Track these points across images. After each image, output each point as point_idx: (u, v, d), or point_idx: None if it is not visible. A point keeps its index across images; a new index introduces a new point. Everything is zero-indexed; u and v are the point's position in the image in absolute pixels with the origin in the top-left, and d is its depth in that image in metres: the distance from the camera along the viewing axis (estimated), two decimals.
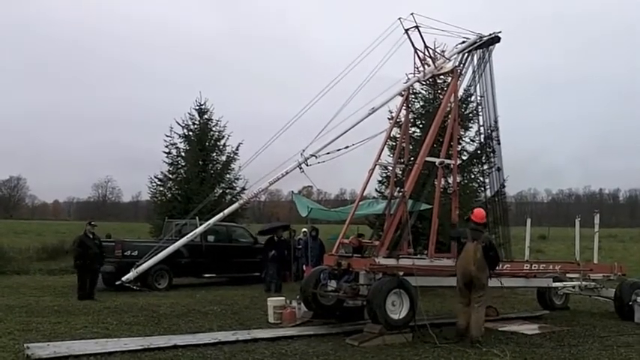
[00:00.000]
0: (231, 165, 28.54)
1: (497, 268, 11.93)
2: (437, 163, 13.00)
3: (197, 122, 28.36)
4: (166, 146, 28.03)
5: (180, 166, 28.14)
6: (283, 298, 13.70)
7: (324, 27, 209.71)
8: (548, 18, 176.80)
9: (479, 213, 11.63)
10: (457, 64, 14.01)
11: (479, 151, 16.57)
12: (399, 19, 13.57)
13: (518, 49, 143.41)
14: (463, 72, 14.08)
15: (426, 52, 14.11)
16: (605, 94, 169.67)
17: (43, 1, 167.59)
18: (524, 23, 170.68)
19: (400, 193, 12.67)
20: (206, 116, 28.51)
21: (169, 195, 27.78)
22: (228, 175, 28.28)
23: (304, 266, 20.53)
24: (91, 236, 16.57)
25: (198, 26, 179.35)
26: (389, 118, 19.33)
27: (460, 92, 14.25)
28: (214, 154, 28.45)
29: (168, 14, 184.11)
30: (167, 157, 28.04)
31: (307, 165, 12.73)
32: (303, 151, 12.78)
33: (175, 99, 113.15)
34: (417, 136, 19.51)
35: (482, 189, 16.63)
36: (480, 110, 14.76)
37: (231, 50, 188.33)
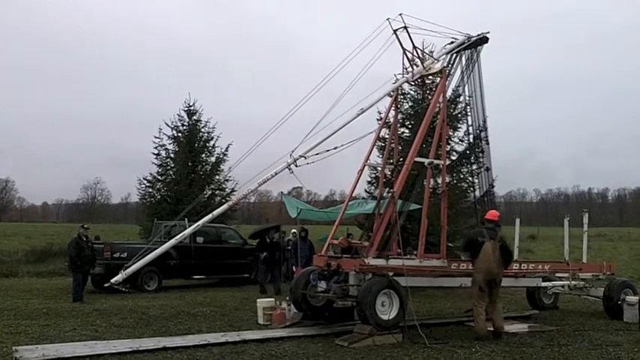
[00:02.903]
0: (221, 166, 28.54)
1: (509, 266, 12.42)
2: (426, 164, 13.02)
3: (186, 123, 28.32)
4: (155, 147, 28.01)
5: (169, 167, 28.08)
6: (273, 299, 13.70)
7: (317, 28, 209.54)
8: (548, 17, 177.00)
9: (493, 212, 12.30)
10: (446, 64, 14.04)
11: (468, 152, 16.62)
12: (388, 19, 13.60)
13: (513, 48, 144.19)
14: (452, 72, 14.11)
15: (415, 53, 14.14)
16: (597, 94, 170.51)
17: (37, 1, 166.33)
18: (523, 23, 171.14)
19: (389, 194, 12.67)
20: (195, 117, 28.47)
21: (158, 196, 27.73)
22: (217, 177, 28.26)
23: (294, 267, 20.53)
24: (85, 239, 16.61)
25: (192, 28, 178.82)
26: (378, 119, 19.38)
27: (449, 93, 14.29)
28: (203, 155, 28.40)
29: (162, 15, 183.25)
30: (156, 158, 28.02)
31: (296, 166, 12.74)
32: (293, 151, 12.79)
33: (165, 100, 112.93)
34: (406, 136, 19.55)
35: (472, 189, 16.66)
36: (468, 110, 14.81)
37: (222, 51, 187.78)
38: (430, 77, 15.28)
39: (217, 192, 27.51)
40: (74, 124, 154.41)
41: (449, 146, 19.32)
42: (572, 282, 14.97)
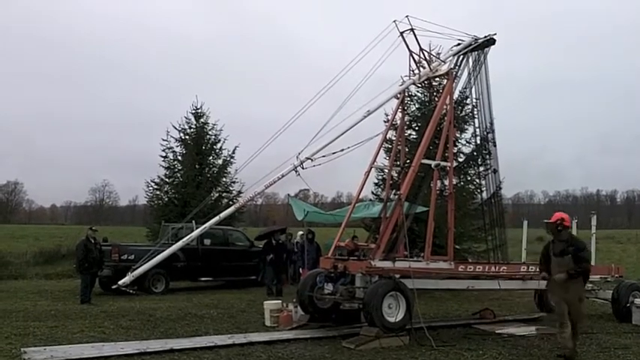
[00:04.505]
0: (228, 168, 28.64)
1: None
2: (433, 166, 13.00)
3: (193, 126, 28.43)
4: (163, 150, 28.12)
5: (176, 169, 28.20)
6: (280, 301, 13.71)
7: (317, 28, 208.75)
8: (547, 18, 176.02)
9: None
10: (452, 66, 14.02)
11: (475, 153, 16.59)
12: (394, 21, 13.61)
13: (514, 48, 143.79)
14: (458, 74, 14.10)
15: (422, 55, 14.13)
16: (604, 94, 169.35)
17: (36, 2, 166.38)
18: (525, 22, 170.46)
19: (396, 196, 12.67)
20: (202, 120, 28.58)
21: (166, 199, 27.84)
22: (224, 179, 28.37)
23: (301, 269, 20.54)
24: (93, 241, 16.69)
25: (193, 28, 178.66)
26: (385, 121, 19.37)
27: (456, 94, 14.28)
28: (211, 157, 28.52)
29: (162, 15, 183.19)
30: (164, 160, 28.13)
31: (303, 168, 12.73)
32: (299, 154, 12.79)
33: (165, 100, 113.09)
34: (412, 138, 19.52)
35: (479, 191, 16.63)
36: (475, 112, 14.79)
37: (222, 51, 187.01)
38: (437, 79, 15.28)
39: (224, 194, 27.60)
40: (75, 125, 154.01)
41: (456, 148, 19.29)
42: None
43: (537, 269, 14.26)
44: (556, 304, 10.26)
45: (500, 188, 14.98)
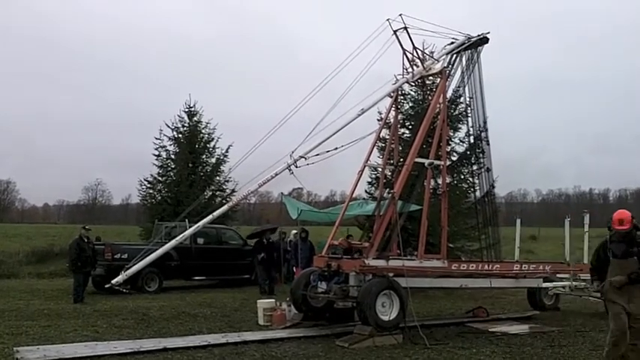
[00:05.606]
0: (221, 167, 28.55)
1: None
2: (426, 164, 13.01)
3: (187, 124, 28.32)
4: (156, 149, 28.01)
5: (170, 168, 28.09)
6: (273, 300, 13.70)
7: (317, 28, 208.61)
8: (547, 18, 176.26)
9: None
10: (446, 65, 14.04)
11: (468, 152, 16.63)
12: (388, 20, 13.61)
13: (515, 49, 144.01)
14: (452, 73, 14.12)
15: (415, 53, 14.14)
16: (604, 94, 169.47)
17: (35, 2, 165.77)
18: (523, 23, 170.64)
19: (390, 195, 12.67)
20: (195, 118, 28.47)
21: (159, 198, 27.74)
22: (217, 178, 28.28)
23: (294, 268, 20.54)
24: (86, 240, 16.66)
25: (193, 28, 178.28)
26: (378, 120, 19.38)
27: (449, 93, 14.30)
28: (204, 156, 28.42)
29: (162, 16, 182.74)
30: (157, 159, 28.02)
31: (297, 166, 12.71)
32: (293, 152, 12.77)
33: (165, 100, 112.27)
34: (406, 137, 19.52)
35: (472, 190, 16.67)
36: (469, 111, 14.81)
37: (222, 51, 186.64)
38: (430, 78, 15.32)
39: (218, 193, 27.54)
40: (75, 125, 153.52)
41: (449, 147, 19.32)
42: (573, 283, 14.94)
43: (530, 268, 14.40)
44: (612, 317, 8.39)
45: (494, 187, 15.01)
